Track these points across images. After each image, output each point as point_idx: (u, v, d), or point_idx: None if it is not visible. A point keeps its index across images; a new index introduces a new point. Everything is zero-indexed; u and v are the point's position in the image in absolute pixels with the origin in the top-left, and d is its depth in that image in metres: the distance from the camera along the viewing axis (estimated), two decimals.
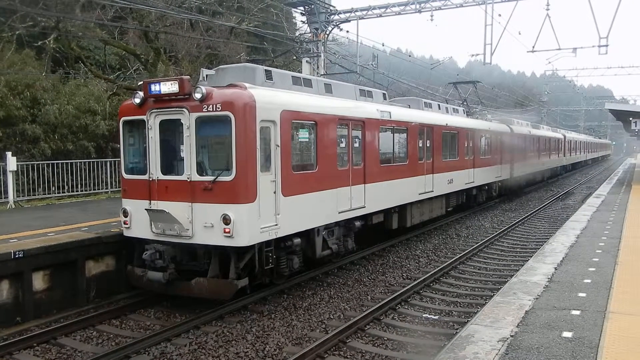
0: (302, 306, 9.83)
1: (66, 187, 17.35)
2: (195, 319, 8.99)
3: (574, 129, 68.98)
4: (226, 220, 8.67)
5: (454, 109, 20.95)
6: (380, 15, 23.46)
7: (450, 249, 14.94)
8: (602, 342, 5.22)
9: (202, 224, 8.91)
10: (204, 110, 8.85)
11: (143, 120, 9.57)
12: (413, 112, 16.10)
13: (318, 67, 23.83)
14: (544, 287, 7.18)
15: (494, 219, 20.40)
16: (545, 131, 36.72)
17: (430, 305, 10.06)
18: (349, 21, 24.25)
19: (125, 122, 10.01)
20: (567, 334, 5.42)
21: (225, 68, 10.82)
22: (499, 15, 23.32)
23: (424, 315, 9.44)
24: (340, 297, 10.46)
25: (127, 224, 9.88)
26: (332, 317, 9.32)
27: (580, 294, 6.86)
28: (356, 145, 12.23)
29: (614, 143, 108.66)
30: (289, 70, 28.26)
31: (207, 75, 10.36)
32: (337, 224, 11.66)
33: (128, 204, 9.87)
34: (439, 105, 19.37)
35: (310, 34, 24.74)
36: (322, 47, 24.10)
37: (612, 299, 6.66)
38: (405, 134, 14.77)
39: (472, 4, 21.45)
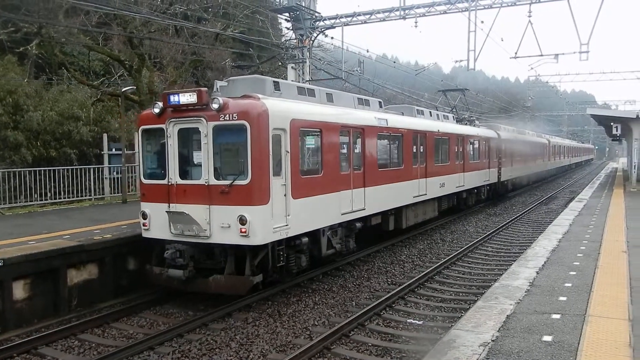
0: (286, 313, 9.80)
1: (49, 195, 17.15)
2: (179, 327, 8.92)
3: (558, 134, 69.81)
4: (242, 220, 9.26)
5: (444, 115, 21.66)
6: (365, 22, 23.58)
7: (435, 253, 15.01)
8: (581, 345, 5.27)
9: (219, 224, 9.49)
10: (220, 119, 9.46)
11: (162, 129, 10.13)
12: (407, 119, 16.79)
13: (303, 73, 23.89)
14: (525, 292, 7.24)
15: (478, 223, 20.55)
16: (530, 136, 37.58)
17: (414, 311, 10.09)
18: (334, 27, 24.34)
19: (144, 131, 10.59)
20: (547, 338, 5.47)
21: (237, 79, 11.53)
22: (482, 22, 23.47)
23: (408, 321, 9.47)
24: (325, 303, 10.45)
25: (146, 226, 10.37)
26: (316, 323, 9.31)
27: (561, 298, 6.93)
28: (356, 151, 13.00)
29: (596, 147, 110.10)
30: (274, 76, 28.32)
31: (220, 86, 11.12)
32: (340, 224, 12.28)
33: (147, 207, 10.36)
34: (430, 112, 20.10)
35: (295, 40, 24.83)
36: (307, 53, 24.17)
37: (592, 302, 6.74)
38: (400, 140, 15.50)
39: (455, 10, 21.67)
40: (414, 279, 11.75)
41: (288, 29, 26.04)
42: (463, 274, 12.85)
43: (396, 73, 38.02)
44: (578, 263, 8.97)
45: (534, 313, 6.31)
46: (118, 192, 18.61)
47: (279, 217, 9.79)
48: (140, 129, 10.65)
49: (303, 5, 23.07)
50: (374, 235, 15.15)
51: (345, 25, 23.87)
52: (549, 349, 5.20)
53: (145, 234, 10.46)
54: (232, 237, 9.43)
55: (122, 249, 11.00)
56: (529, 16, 21.29)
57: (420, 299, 10.85)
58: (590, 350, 5.16)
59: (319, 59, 27.63)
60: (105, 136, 19.95)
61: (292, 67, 23.89)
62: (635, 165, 25.44)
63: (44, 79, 23.83)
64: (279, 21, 31.68)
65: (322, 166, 11.39)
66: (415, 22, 22.64)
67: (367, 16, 23.25)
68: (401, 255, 14.65)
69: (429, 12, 22.19)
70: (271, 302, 10.41)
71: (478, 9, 21.43)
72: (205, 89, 9.88)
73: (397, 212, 15.35)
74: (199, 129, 9.67)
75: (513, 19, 28.68)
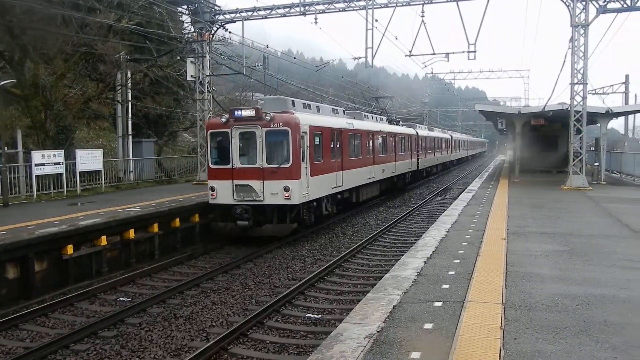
0: (183, 315, 9.55)
1: None
2: (65, 338, 8.38)
3: (452, 129, 74.02)
4: (286, 189, 14.82)
5: (380, 117, 27.86)
6: (266, 17, 23.51)
7: (336, 247, 15.33)
8: (458, 330, 5.60)
9: (270, 192, 14.98)
10: (271, 126, 14.94)
11: (227, 132, 15.37)
12: (363, 122, 22.82)
13: (203, 68, 23.33)
14: (412, 281, 7.56)
15: (378, 216, 21.27)
16: (438, 133, 45.99)
17: (313, 305, 10.23)
18: (234, 22, 24.04)
19: (211, 133, 15.86)
20: (428, 326, 5.75)
21: (267, 99, 18.20)
22: (376, 20, 23.80)
23: (307, 315, 9.57)
24: (224, 302, 10.32)
25: (213, 196, 15.59)
26: (214, 324, 9.16)
27: (444, 286, 7.31)
28: (338, 146, 18.56)
29: (488, 141, 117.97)
30: (172, 70, 27.40)
31: (260, 104, 16.22)
32: (331, 195, 17.94)
33: (214, 183, 15.58)
34: (372, 115, 26.46)
35: (195, 34, 24.16)
36: (207, 48, 23.63)
37: (472, 288, 7.18)
38: (360, 138, 21.26)
39: (353, 8, 22.20)
40: (314, 274, 11.91)
41: (186, 22, 25.26)
42: (362, 266, 13.22)
43: (301, 69, 38.38)
44: (462, 251, 9.53)
45: (418, 302, 6.62)
46: None
47: (304, 188, 15.34)
48: (208, 132, 15.99)
49: None
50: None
51: (245, 19, 23.66)
52: (429, 336, 5.48)
53: (211, 201, 15.66)
54: (279, 200, 14.92)
55: None
56: (422, 16, 22.35)
57: (320, 292, 11.03)
58: (466, 334, 5.50)
59: (220, 54, 27.10)
60: None
61: (191, 61, 23.25)
62: (517, 158, 27.56)
63: None
64: (179, 14, 30.66)
65: (322, 156, 16.93)
66: (315, 19, 22.95)
67: (268, 11, 23.20)
68: (302, 250, 14.81)
69: (328, 9, 22.58)
70: (166, 305, 10.11)
71: (375, 8, 22.13)
72: (260, 107, 15.34)
73: (357, 189, 20.97)
74: (255, 132, 15.05)
75: (408, 18, 29.84)
